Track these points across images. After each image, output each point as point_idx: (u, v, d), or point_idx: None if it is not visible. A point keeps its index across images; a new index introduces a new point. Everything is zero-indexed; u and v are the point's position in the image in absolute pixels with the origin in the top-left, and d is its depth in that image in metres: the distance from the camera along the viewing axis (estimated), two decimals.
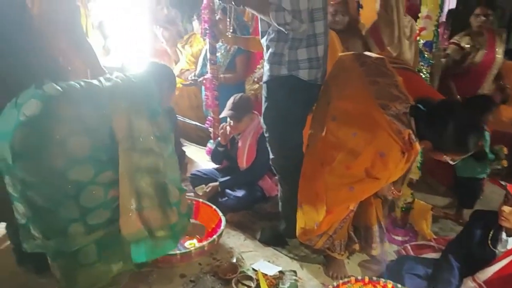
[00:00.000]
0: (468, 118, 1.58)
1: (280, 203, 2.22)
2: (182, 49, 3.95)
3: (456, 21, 3.98)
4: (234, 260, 2.12)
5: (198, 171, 2.79)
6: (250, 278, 1.94)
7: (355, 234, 2.07)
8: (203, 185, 2.63)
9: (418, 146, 1.61)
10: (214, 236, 2.07)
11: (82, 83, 1.53)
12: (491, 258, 1.68)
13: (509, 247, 1.65)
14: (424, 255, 2.09)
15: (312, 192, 1.84)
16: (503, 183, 1.54)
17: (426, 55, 2.00)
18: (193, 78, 3.43)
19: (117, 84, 1.58)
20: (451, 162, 1.63)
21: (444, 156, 1.62)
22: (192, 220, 1.96)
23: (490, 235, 1.71)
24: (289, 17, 1.70)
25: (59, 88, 1.46)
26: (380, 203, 2.03)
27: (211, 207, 2.34)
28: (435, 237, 2.29)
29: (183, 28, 4.45)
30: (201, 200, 2.44)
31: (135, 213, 1.52)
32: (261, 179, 2.64)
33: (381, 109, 1.61)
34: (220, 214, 2.27)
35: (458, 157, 1.61)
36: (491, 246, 1.70)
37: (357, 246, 2.08)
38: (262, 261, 2.10)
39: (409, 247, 2.16)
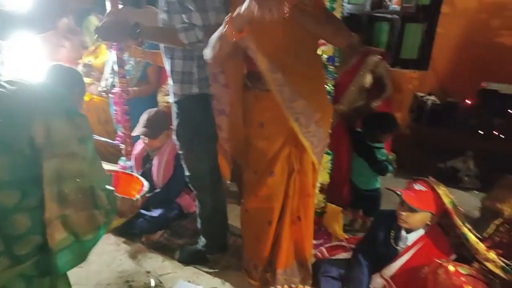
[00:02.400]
0: None
1: (198, 220, 2.16)
2: (85, 61, 3.68)
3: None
4: (152, 285, 2.01)
5: None
6: None
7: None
8: None
9: None
10: (138, 196, 1.84)
11: None
12: (394, 255, 1.83)
13: (408, 243, 1.81)
14: (337, 256, 2.21)
15: None
16: (398, 192, 1.70)
17: (330, 69, 2.12)
18: (103, 90, 3.21)
19: (25, 87, 1.39)
20: None
21: None
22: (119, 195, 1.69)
23: (392, 234, 1.86)
24: (200, 33, 1.66)
25: None
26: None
27: (131, 175, 2.20)
28: (346, 237, 2.44)
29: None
30: (120, 170, 2.26)
31: (59, 222, 1.36)
32: (179, 196, 2.56)
33: None
34: (142, 179, 2.10)
35: None
36: (393, 244, 1.85)
37: None
38: (182, 282, 2.03)
39: (324, 250, 2.27)
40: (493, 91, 3.30)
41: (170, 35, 1.69)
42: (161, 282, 2.04)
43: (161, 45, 1.84)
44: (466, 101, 3.60)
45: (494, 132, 3.30)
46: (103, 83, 3.28)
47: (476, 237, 1.58)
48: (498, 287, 1.48)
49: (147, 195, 2.00)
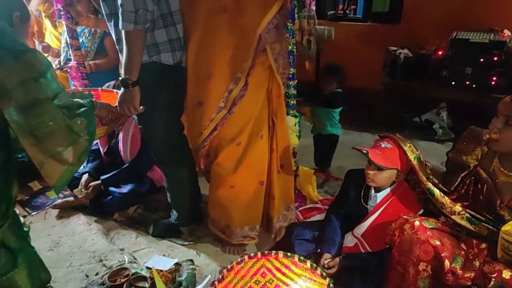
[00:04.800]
0: None
1: (168, 194, 2.12)
2: (44, 19, 3.38)
3: None
4: (126, 262, 1.99)
5: None
6: (144, 278, 1.83)
7: None
8: (82, 187, 2.38)
9: None
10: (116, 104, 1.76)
11: None
12: (365, 214, 1.83)
13: (378, 201, 1.81)
14: (312, 218, 2.23)
15: None
16: (364, 151, 1.67)
17: (289, 27, 2.01)
18: (57, 67, 3.02)
19: None
20: None
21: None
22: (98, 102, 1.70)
23: (362, 193, 1.86)
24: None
25: None
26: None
27: (112, 91, 2.17)
28: (321, 198, 2.45)
29: None
30: (99, 88, 2.25)
31: (49, 160, 1.42)
32: (149, 170, 2.50)
33: None
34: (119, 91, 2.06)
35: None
36: (364, 203, 1.85)
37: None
38: (157, 257, 2.01)
39: (298, 213, 2.28)
40: (464, 40, 3.23)
41: None
42: (135, 258, 2.02)
43: (104, 11, 1.70)
44: (438, 52, 3.54)
45: (465, 82, 3.28)
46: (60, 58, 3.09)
47: (442, 191, 1.58)
48: (465, 238, 1.50)
49: None
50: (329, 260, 1.72)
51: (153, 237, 2.18)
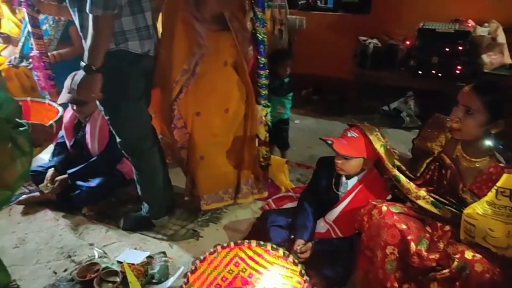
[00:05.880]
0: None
1: (138, 186, 2.08)
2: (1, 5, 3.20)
3: None
4: (96, 257, 1.94)
5: (40, 166, 2.40)
6: (115, 273, 1.80)
7: None
8: (48, 182, 2.29)
9: None
10: (51, 122, 1.75)
11: None
12: (336, 200, 1.87)
13: (349, 187, 1.85)
14: (285, 206, 2.24)
15: None
16: (329, 141, 1.69)
17: (260, 16, 2.00)
18: (13, 63, 2.87)
19: None
20: None
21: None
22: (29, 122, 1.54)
23: (333, 180, 1.89)
24: None
25: None
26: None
27: (44, 103, 2.09)
28: (293, 186, 2.47)
29: None
30: (29, 98, 2.17)
31: None
32: (119, 162, 2.44)
33: None
34: (55, 105, 2.02)
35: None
36: (335, 190, 1.88)
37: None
38: (128, 250, 1.98)
39: (271, 202, 2.29)
40: (430, 30, 3.32)
41: None
42: (105, 253, 1.98)
43: None
44: (406, 42, 3.63)
45: (432, 71, 3.38)
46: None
47: (409, 177, 1.62)
48: (430, 222, 1.56)
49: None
50: (302, 245, 1.75)
51: (124, 231, 2.14)
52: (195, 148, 2.17)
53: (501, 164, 1.28)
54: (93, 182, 2.29)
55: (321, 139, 1.73)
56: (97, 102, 1.81)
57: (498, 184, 1.28)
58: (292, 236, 1.81)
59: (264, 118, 2.21)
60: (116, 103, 1.74)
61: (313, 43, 4.13)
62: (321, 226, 1.90)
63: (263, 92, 2.21)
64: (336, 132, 1.83)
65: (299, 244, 1.75)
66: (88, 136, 2.37)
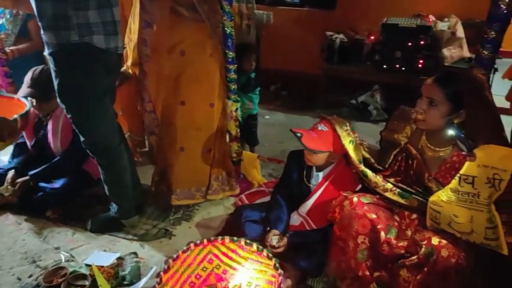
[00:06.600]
0: None
1: (106, 186, 2.01)
2: None
3: None
4: (63, 260, 1.87)
5: None
6: (83, 276, 1.73)
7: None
8: (8, 184, 2.17)
9: None
10: (16, 116, 1.71)
11: None
12: (308, 193, 1.89)
13: (320, 179, 1.87)
14: (258, 201, 2.25)
15: None
16: (298, 134, 1.70)
17: (227, 9, 1.97)
18: None
19: None
20: None
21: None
22: None
23: (305, 173, 1.91)
24: None
25: None
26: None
27: (13, 98, 2.04)
28: (265, 181, 2.48)
29: None
30: None
31: None
32: (84, 161, 2.34)
33: None
34: (24, 100, 1.96)
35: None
36: (306, 182, 1.90)
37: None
38: (97, 252, 1.91)
39: (244, 197, 2.28)
40: (393, 25, 3.42)
41: None
42: (72, 256, 1.90)
43: None
44: (371, 37, 3.71)
45: (396, 65, 3.48)
46: None
47: (377, 168, 1.67)
48: (397, 211, 1.60)
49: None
50: (277, 236, 1.75)
51: (91, 233, 2.06)
52: (176, 139, 2.16)
53: (463, 153, 1.33)
54: (57, 183, 2.20)
55: (291, 130, 1.73)
56: (58, 100, 1.72)
57: (461, 171, 1.33)
58: (268, 229, 1.82)
59: (234, 113, 2.19)
60: (79, 101, 1.66)
61: (281, 39, 4.15)
62: (295, 219, 1.91)
63: (233, 87, 2.20)
64: (306, 127, 1.84)
65: (274, 234, 1.76)
66: (50, 135, 2.26)
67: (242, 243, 1.67)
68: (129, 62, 2.34)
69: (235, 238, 1.73)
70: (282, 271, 1.51)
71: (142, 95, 2.28)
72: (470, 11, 3.50)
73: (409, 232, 1.51)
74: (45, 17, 1.49)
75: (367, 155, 1.71)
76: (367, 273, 1.49)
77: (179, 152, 2.20)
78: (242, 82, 2.57)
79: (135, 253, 1.90)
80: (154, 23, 2.10)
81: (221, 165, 2.34)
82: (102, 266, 1.78)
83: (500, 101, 1.52)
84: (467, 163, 1.32)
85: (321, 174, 1.86)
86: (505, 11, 1.69)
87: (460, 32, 3.46)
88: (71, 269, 1.76)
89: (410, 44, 3.39)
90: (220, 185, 2.35)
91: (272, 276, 1.58)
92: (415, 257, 1.40)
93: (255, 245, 1.64)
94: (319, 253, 1.70)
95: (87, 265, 1.81)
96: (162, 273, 1.52)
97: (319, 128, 1.74)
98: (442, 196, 1.38)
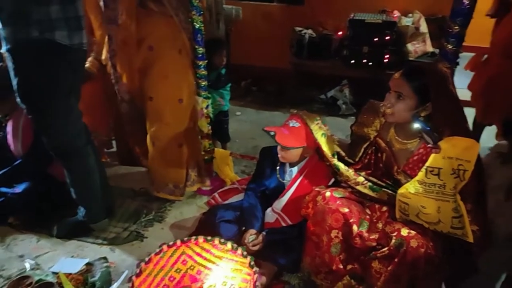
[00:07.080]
0: None
1: (72, 189, 1.93)
2: None
3: None
4: (28, 269, 1.78)
5: None
6: (50, 285, 1.66)
7: None
8: None
9: None
10: None
11: None
12: (282, 189, 1.88)
13: (293, 175, 1.87)
14: (231, 199, 2.22)
15: None
16: (271, 132, 1.71)
17: (195, 3, 1.93)
18: None
19: None
20: None
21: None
22: None
23: (278, 169, 1.90)
24: None
25: None
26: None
27: None
28: (239, 178, 2.46)
29: None
30: None
31: None
32: (48, 164, 2.23)
33: None
34: None
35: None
36: (280, 179, 1.90)
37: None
38: (64, 259, 1.84)
39: (217, 195, 2.25)
40: (360, 21, 3.47)
41: None
42: (38, 264, 1.82)
43: None
44: (338, 32, 3.76)
45: (363, 60, 3.54)
46: None
47: (348, 162, 1.69)
48: (368, 204, 1.63)
49: None
50: (254, 235, 1.75)
51: (58, 239, 1.98)
52: (148, 133, 2.20)
53: (429, 145, 1.37)
54: (19, 188, 2.08)
55: (264, 130, 1.73)
56: (18, 100, 1.63)
57: (427, 164, 1.37)
58: (244, 228, 1.80)
59: (205, 110, 2.16)
60: (42, 100, 1.58)
61: (250, 34, 4.13)
62: (270, 216, 1.91)
63: (203, 83, 2.16)
64: (277, 123, 1.84)
65: (251, 233, 1.75)
66: (10, 137, 2.14)
67: (216, 242, 1.65)
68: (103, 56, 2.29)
69: (209, 238, 1.71)
70: (257, 269, 1.50)
71: (116, 87, 2.21)
72: (433, 7, 3.62)
73: (380, 225, 1.54)
74: (5, 11, 1.41)
75: (338, 149, 1.73)
76: (341, 266, 1.51)
77: (152, 146, 2.21)
78: (212, 78, 2.53)
79: (105, 258, 1.84)
80: (118, 18, 2.02)
81: (194, 161, 2.34)
82: (70, 273, 1.71)
83: (462, 94, 1.57)
84: (432, 155, 1.36)
85: (294, 170, 1.87)
86: (468, 6, 1.75)
87: (424, 27, 3.57)
88: (36, 278, 1.68)
89: (376, 39, 3.46)
90: (196, 177, 2.37)
91: (247, 274, 1.57)
92: (386, 248, 1.43)
93: (229, 244, 1.62)
94: (297, 249, 1.70)
95: (54, 273, 1.74)
96: (134, 278, 1.48)
97: (291, 125, 1.74)
98: (410, 188, 1.42)
